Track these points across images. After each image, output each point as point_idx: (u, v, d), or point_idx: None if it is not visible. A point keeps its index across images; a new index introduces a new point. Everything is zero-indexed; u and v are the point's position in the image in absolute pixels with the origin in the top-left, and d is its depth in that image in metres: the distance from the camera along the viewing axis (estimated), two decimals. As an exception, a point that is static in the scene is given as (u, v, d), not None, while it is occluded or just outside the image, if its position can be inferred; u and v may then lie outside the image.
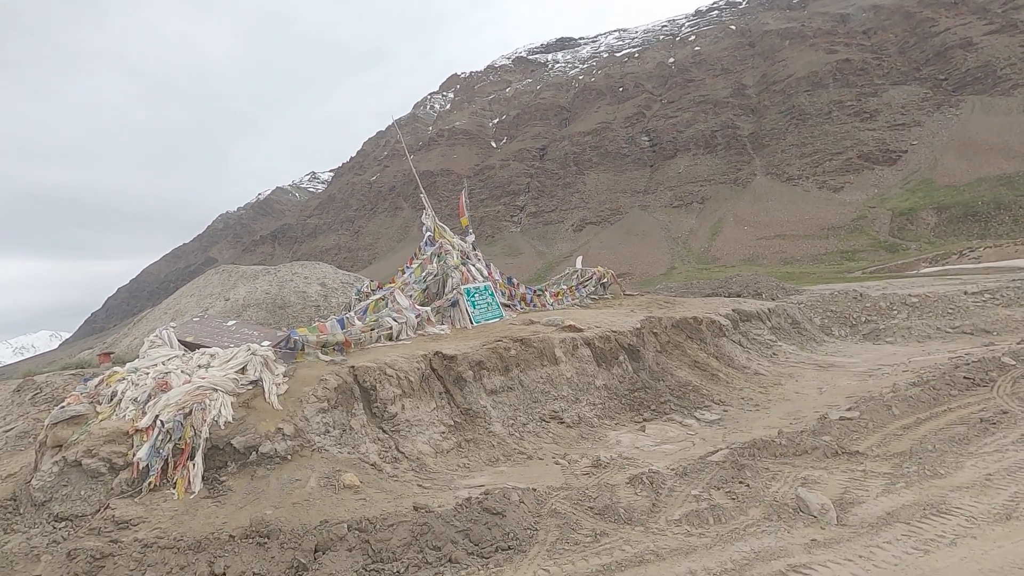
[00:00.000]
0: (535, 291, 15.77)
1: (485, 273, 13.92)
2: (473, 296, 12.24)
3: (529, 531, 4.55)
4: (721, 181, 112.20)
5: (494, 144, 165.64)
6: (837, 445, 5.92)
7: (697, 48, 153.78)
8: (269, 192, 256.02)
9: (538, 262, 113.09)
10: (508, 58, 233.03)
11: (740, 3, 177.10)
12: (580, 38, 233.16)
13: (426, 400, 7.96)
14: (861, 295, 21.74)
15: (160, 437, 5.86)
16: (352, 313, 11.52)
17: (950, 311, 18.63)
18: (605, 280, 18.37)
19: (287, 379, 7.14)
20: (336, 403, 6.93)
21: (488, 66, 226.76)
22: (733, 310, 15.05)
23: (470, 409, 8.20)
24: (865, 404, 7.71)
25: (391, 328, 10.20)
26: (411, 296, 12.31)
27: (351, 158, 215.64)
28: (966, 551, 3.62)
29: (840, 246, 77.15)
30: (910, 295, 22.05)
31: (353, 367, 7.62)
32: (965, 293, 23.79)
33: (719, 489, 5.02)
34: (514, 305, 14.29)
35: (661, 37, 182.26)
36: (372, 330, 9.93)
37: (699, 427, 8.40)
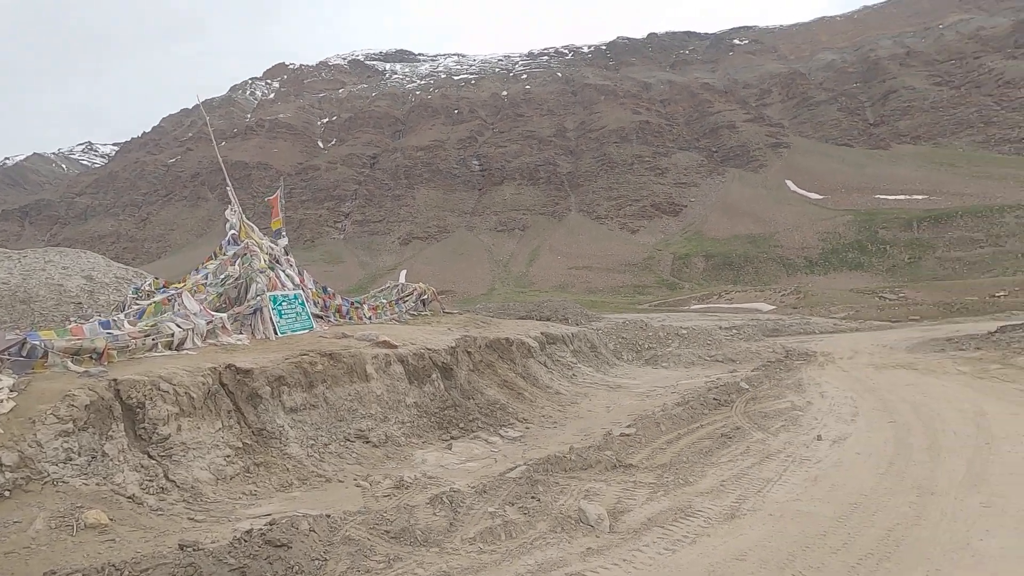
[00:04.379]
0: (352, 303, 15.11)
1: (297, 280, 12.93)
2: (280, 304, 11.26)
3: (318, 563, 4.24)
4: (541, 212, 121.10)
5: (321, 144, 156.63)
6: (616, 459, 6.65)
7: (528, 87, 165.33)
8: (23, 158, 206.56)
9: (360, 272, 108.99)
10: (344, 58, 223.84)
11: (567, 55, 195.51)
12: (420, 54, 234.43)
13: (210, 419, 7.02)
14: (646, 325, 25.05)
15: None
16: (123, 315, 9.75)
17: (709, 342, 22.40)
18: (426, 297, 18.39)
19: (15, 394, 5.72)
20: (86, 424, 5.73)
21: (321, 62, 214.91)
22: (542, 333, 16.17)
23: (264, 429, 7.45)
24: (641, 422, 8.83)
25: (173, 335, 8.85)
26: (204, 300, 10.86)
27: (144, 133, 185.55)
28: (702, 548, 4.33)
29: (634, 281, 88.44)
30: (682, 327, 26.07)
31: (116, 380, 6.41)
32: (720, 328, 28.90)
33: (513, 505, 5.27)
34: (327, 317, 13.49)
35: (497, 69, 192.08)
36: (147, 336, 8.50)
37: (503, 444, 8.77)
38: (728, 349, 21.27)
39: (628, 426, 8.85)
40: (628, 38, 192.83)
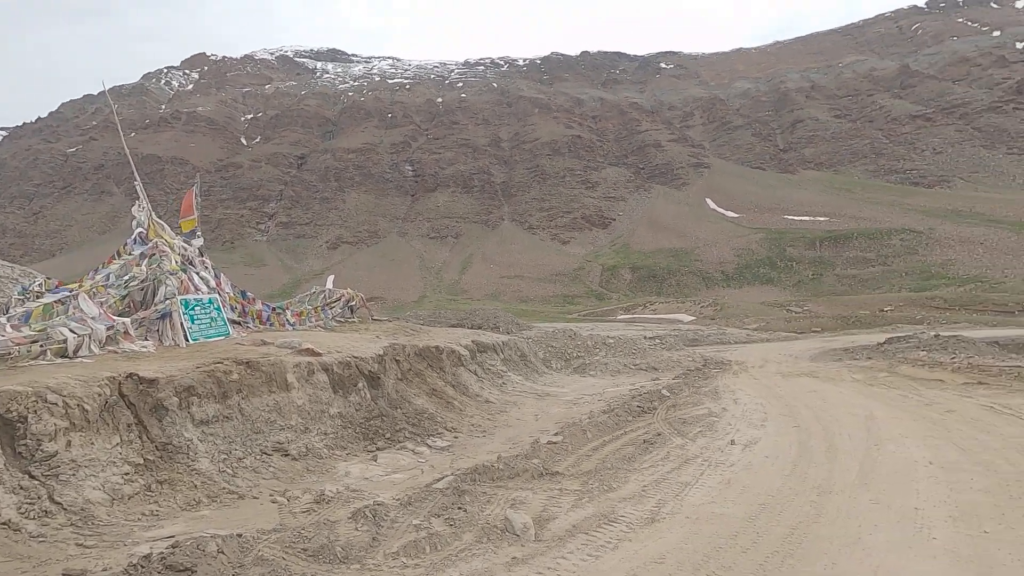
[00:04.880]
0: (274, 309, 14.40)
1: (212, 283, 12.15)
2: (192, 309, 10.53)
3: (226, 586, 3.96)
4: (474, 220, 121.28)
5: (245, 141, 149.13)
6: (543, 467, 6.71)
7: (464, 95, 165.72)
8: None
9: (285, 277, 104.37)
10: (272, 53, 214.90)
11: (503, 66, 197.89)
12: (354, 55, 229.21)
13: (107, 434, 6.42)
14: (575, 334, 25.59)
15: None
16: (5, 318, 8.76)
17: (634, 351, 23.18)
18: (354, 303, 17.84)
19: None
20: (-47, 442, 5.07)
21: (247, 56, 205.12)
22: (473, 341, 16.11)
23: (169, 444, 6.90)
24: (568, 429, 8.98)
25: (66, 341, 8.04)
26: (104, 303, 9.96)
27: (39, 119, 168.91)
28: (623, 553, 4.44)
29: (564, 291, 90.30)
30: (609, 337, 26.84)
31: (-8, 392, 5.72)
32: (644, 338, 30.00)
33: (439, 516, 5.18)
34: (246, 323, 12.77)
35: (432, 76, 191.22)
36: (34, 342, 7.67)
37: (430, 454, 8.62)
38: (651, 358, 22.13)
39: (555, 434, 8.97)
40: (562, 54, 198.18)
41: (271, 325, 13.62)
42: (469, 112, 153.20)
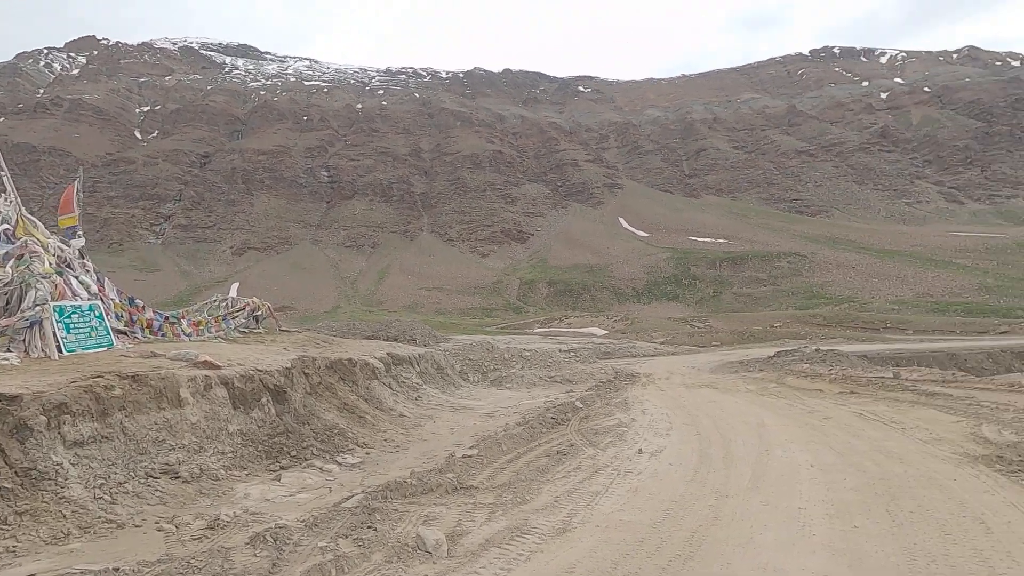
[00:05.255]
0: (168, 318, 13.25)
1: (94, 288, 10.98)
2: (69, 316, 9.44)
3: (97, 628, 3.53)
4: (393, 230, 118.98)
5: (139, 135, 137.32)
6: (457, 481, 6.63)
7: (384, 103, 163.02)
8: None
9: (182, 283, 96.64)
10: (175, 43, 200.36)
11: (425, 77, 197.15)
12: (267, 52, 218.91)
13: (-47, 460, 5.57)
14: (492, 347, 25.67)
15: None
16: None
17: (549, 364, 23.63)
18: (259, 313, 16.83)
19: None
20: None
21: (144, 43, 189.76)
22: (388, 353, 15.70)
23: (33, 469, 6.10)
24: (483, 442, 8.95)
25: (-97, 353, 6.92)
26: (-44, 309, 8.69)
27: None
28: (535, 564, 4.47)
29: (483, 303, 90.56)
30: (525, 350, 27.19)
31: None
32: (560, 351, 30.69)
33: (347, 537, 4.95)
34: (134, 333, 11.64)
35: (352, 81, 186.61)
36: None
37: (339, 472, 8.25)
38: (566, 370, 22.67)
39: (471, 447, 8.92)
40: (485, 70, 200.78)
41: (163, 336, 12.51)
42: (390, 120, 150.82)
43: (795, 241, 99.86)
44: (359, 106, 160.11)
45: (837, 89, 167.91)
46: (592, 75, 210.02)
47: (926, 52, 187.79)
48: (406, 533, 5.03)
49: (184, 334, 13.30)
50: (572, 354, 30.29)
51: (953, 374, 17.26)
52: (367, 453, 9.43)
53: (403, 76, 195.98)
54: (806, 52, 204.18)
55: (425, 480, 6.63)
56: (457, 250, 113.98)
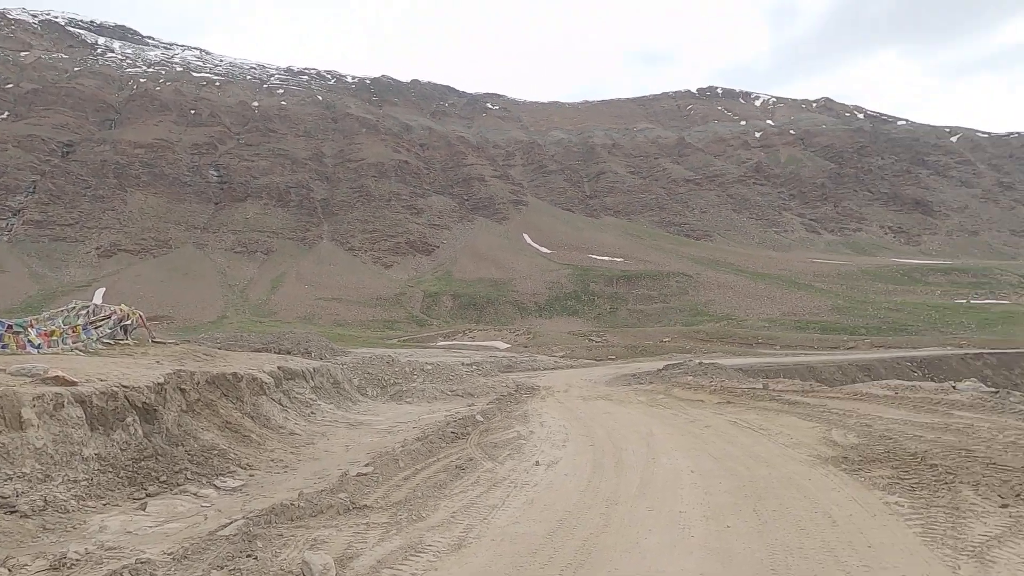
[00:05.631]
0: (10, 326, 11.55)
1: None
2: None
3: None
4: (289, 237, 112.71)
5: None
6: (350, 501, 6.35)
7: (284, 103, 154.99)
8: None
9: (32, 287, 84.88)
10: (34, 16, 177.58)
11: (330, 80, 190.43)
12: (149, 37, 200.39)
13: None
14: (393, 360, 25.03)
15: None
16: None
17: (451, 378, 23.46)
18: (129, 323, 15.16)
19: None
20: None
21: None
22: (279, 367, 14.78)
23: None
24: (379, 459, 8.67)
25: None
26: None
27: None
28: (429, 583, 4.39)
29: (384, 315, 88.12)
30: (427, 363, 26.80)
31: None
32: (462, 364, 30.59)
33: (223, 568, 4.55)
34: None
35: (248, 77, 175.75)
36: None
37: (218, 497, 7.58)
38: (468, 384, 22.62)
39: (366, 465, 8.60)
40: (393, 79, 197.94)
41: (5, 347, 10.87)
42: (290, 122, 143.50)
43: (683, 262, 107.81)
44: (255, 104, 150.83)
45: (720, 126, 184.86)
46: (500, 93, 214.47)
47: (791, 99, 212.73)
48: (290, 560, 4.72)
49: (32, 345, 11.65)
50: (475, 368, 30.32)
51: (811, 385, 19.45)
52: (251, 475, 8.77)
53: (305, 77, 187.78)
54: (694, 90, 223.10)
55: (315, 501, 6.28)
56: (359, 260, 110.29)
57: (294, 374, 15.11)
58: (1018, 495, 5.65)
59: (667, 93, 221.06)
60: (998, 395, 12.38)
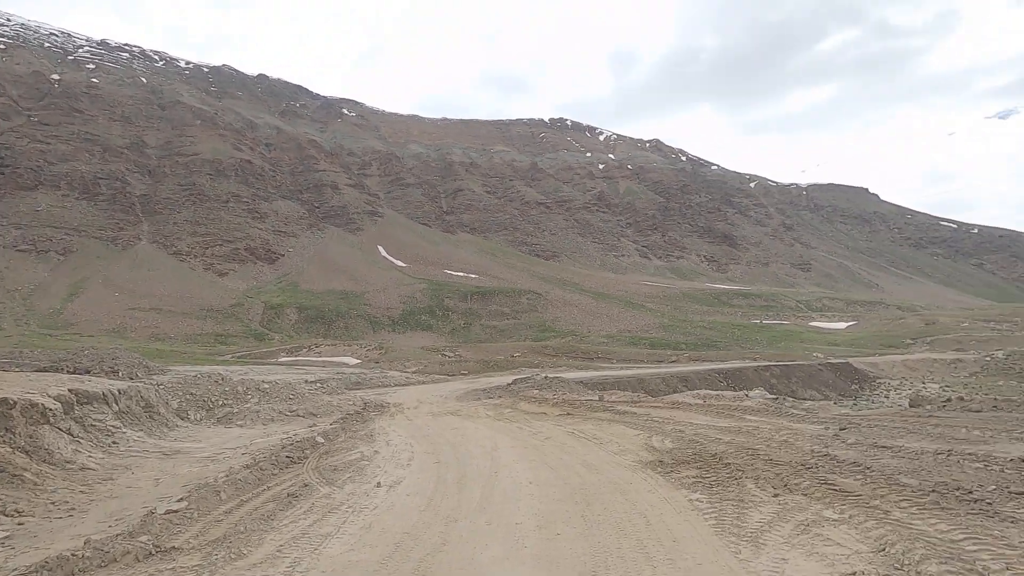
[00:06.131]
0: None
1: None
2: None
3: None
4: (96, 236, 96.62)
5: None
6: (154, 544, 5.55)
7: (95, 80, 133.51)
8: None
9: None
10: None
11: (157, 61, 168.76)
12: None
13: None
14: (223, 379, 22.53)
15: None
16: None
17: (291, 397, 21.79)
18: None
19: None
20: None
21: None
22: (70, 390, 12.45)
23: None
24: (197, 492, 7.71)
25: None
26: None
27: None
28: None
29: (216, 329, 79.13)
30: (264, 381, 24.58)
31: None
32: (305, 382, 28.62)
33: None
34: None
35: (47, 45, 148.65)
36: None
37: (-32, 555, 6.11)
38: (311, 403, 21.15)
39: (179, 500, 7.58)
40: (236, 69, 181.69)
41: None
42: (103, 103, 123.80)
43: (533, 280, 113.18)
44: (56, 77, 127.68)
45: (568, 155, 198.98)
46: (357, 100, 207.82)
47: (629, 137, 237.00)
48: (67, 622, 3.97)
49: None
50: (319, 385, 28.50)
51: (639, 395, 21.53)
52: (20, 524, 7.23)
53: (125, 54, 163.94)
54: (547, 119, 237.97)
55: (106, 549, 5.37)
56: (187, 266, 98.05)
57: (91, 397, 12.86)
58: (786, 486, 6.81)
59: (522, 119, 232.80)
60: (777, 401, 14.83)
